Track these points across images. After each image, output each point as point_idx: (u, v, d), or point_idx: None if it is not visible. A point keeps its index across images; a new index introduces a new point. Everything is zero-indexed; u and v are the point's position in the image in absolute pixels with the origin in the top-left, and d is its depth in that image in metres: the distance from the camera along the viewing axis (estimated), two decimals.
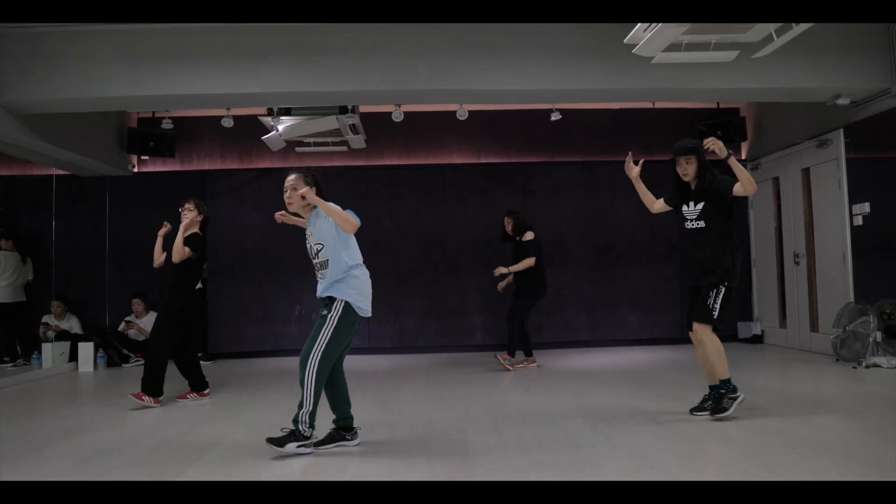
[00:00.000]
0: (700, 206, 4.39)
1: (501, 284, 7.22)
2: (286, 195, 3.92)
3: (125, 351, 8.34)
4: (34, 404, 5.83)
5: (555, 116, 7.19)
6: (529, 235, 7.00)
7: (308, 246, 3.91)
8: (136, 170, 9.05)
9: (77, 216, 8.94)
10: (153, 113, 8.18)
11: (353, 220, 3.71)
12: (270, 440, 3.66)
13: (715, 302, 4.32)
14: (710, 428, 4.10)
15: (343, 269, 3.79)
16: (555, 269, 8.26)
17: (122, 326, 8.50)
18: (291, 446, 3.65)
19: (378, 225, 8.92)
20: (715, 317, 4.32)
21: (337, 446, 3.88)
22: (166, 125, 7.48)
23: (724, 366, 4.34)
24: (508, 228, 7.08)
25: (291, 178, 3.94)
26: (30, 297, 8.67)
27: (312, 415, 3.72)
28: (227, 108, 7.09)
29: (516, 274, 6.99)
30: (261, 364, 8.20)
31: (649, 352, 8.15)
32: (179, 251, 5.35)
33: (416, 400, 5.43)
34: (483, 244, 8.87)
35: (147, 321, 8.55)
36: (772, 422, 4.21)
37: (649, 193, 4.78)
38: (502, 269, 6.93)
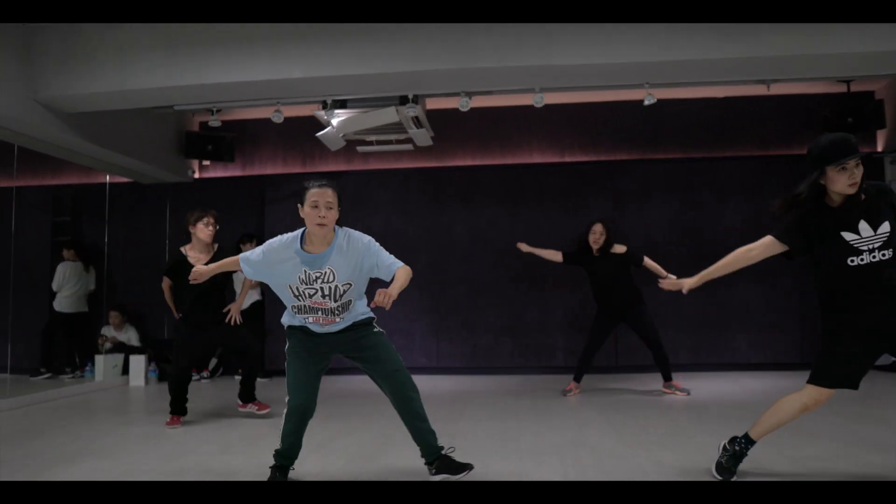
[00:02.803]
0: (885, 226, 2.95)
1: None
2: (324, 212, 3.09)
3: None
4: (53, 421, 5.29)
5: (649, 100, 6.11)
6: (622, 248, 5.97)
7: (311, 291, 3.17)
8: (196, 176, 8.62)
9: (136, 224, 8.56)
10: (212, 112, 7.66)
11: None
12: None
13: None
14: None
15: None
16: (650, 282, 7.14)
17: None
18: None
19: (450, 231, 8.06)
20: None
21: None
22: (213, 123, 6.92)
23: None
24: (601, 241, 5.87)
25: (329, 192, 3.13)
26: (92, 307, 8.38)
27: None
28: (277, 103, 6.44)
29: (631, 282, 6.01)
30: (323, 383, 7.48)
31: (761, 379, 6.86)
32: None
33: (476, 434, 4.49)
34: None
35: None
36: None
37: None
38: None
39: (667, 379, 6.10)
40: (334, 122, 6.62)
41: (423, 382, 7.19)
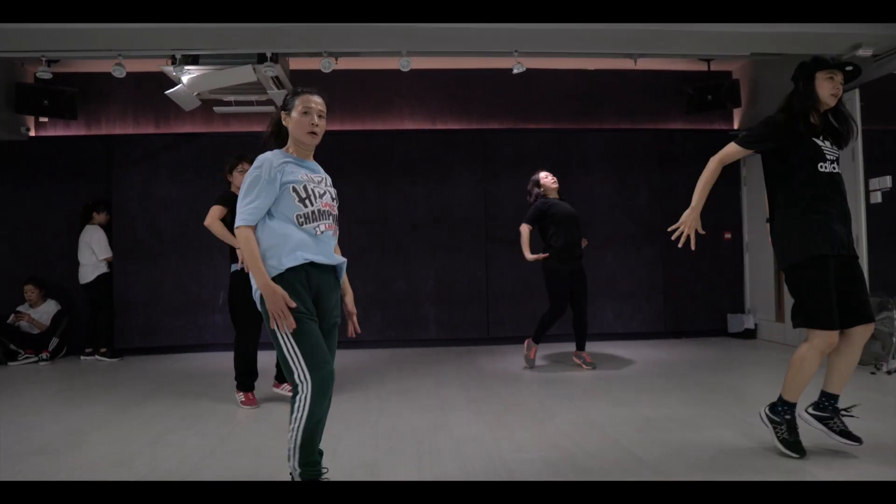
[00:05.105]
0: (835, 147, 3.24)
1: None
2: (316, 119, 2.76)
3: (13, 346, 7.07)
4: None
5: (517, 69, 5.98)
6: None
7: (320, 191, 2.73)
8: (32, 133, 7.72)
9: None
10: (48, 64, 6.82)
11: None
12: None
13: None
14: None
15: None
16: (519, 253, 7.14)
17: (11, 318, 7.20)
18: None
19: None
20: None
21: None
22: (43, 74, 6.13)
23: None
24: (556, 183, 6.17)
25: (322, 101, 2.85)
26: None
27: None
28: (118, 56, 5.80)
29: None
30: (178, 361, 6.98)
31: (630, 349, 7.04)
32: None
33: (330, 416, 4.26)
34: (436, 222, 7.70)
35: (42, 311, 7.29)
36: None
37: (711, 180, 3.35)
38: None
39: (579, 348, 6.11)
40: (185, 79, 6.05)
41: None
